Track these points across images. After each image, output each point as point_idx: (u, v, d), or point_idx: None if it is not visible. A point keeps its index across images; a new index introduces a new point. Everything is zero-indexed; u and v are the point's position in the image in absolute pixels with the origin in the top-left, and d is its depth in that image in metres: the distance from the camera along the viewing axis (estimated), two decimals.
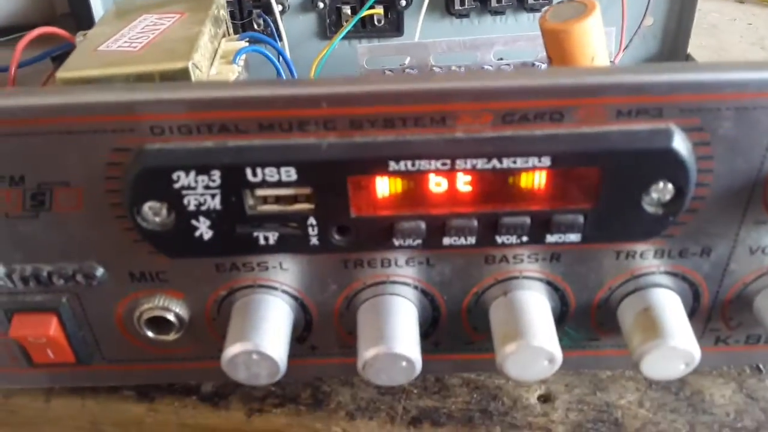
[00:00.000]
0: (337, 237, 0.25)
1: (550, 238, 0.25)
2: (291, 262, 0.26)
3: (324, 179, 0.24)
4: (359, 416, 0.29)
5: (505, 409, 0.29)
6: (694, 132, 0.23)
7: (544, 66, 0.43)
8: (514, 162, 0.23)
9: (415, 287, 0.27)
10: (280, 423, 0.29)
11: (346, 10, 0.49)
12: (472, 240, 0.25)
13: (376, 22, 0.49)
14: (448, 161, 0.23)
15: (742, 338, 0.29)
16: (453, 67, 0.43)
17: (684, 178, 0.23)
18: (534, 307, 0.26)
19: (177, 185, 0.23)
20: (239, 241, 0.25)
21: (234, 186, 0.23)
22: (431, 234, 0.25)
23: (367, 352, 0.25)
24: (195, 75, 0.34)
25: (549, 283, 0.27)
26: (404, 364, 0.25)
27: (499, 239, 0.25)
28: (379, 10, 0.48)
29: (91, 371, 0.29)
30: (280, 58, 0.41)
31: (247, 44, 0.40)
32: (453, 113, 0.23)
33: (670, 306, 0.26)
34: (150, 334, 0.27)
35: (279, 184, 0.23)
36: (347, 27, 0.47)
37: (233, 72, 0.37)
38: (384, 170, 0.23)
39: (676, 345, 0.25)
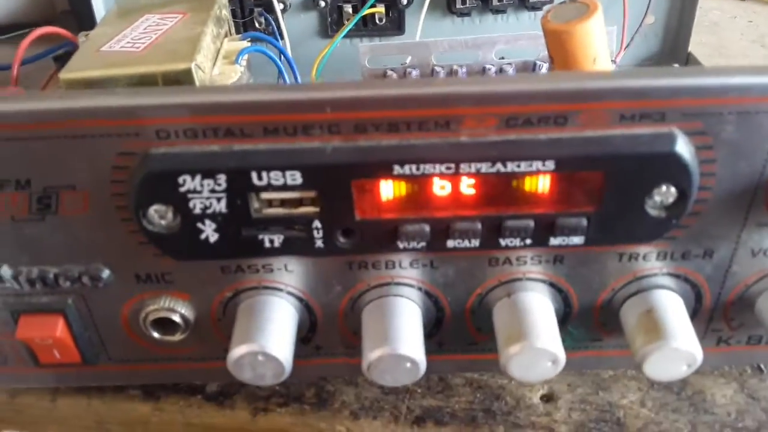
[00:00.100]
0: (341, 240, 0.25)
1: (554, 241, 0.25)
2: (296, 263, 0.26)
3: (329, 183, 0.24)
4: (363, 416, 0.30)
5: (508, 408, 0.30)
6: (696, 136, 0.23)
7: (545, 65, 0.43)
8: (518, 166, 0.23)
9: (419, 289, 0.27)
10: (285, 422, 0.30)
11: (348, 8, 0.49)
12: (476, 243, 0.25)
13: (377, 21, 0.49)
14: (453, 165, 0.23)
15: (744, 339, 0.29)
16: (455, 66, 0.43)
17: (687, 182, 0.24)
18: (537, 308, 0.26)
19: (183, 189, 0.23)
20: (244, 244, 0.25)
21: (239, 190, 0.24)
22: (435, 237, 0.25)
23: (371, 354, 0.25)
24: (198, 76, 0.34)
25: (552, 285, 0.27)
26: (409, 365, 0.25)
27: (502, 242, 0.25)
28: (381, 8, 0.48)
29: (96, 371, 0.29)
30: (282, 57, 0.42)
31: (249, 44, 0.40)
32: (457, 117, 0.23)
33: (672, 307, 0.26)
34: (156, 335, 0.27)
35: (284, 187, 0.24)
36: (348, 26, 0.47)
37: (236, 72, 0.37)
38: (388, 174, 0.23)
39: (678, 347, 0.25)
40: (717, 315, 0.28)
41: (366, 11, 0.48)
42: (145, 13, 0.40)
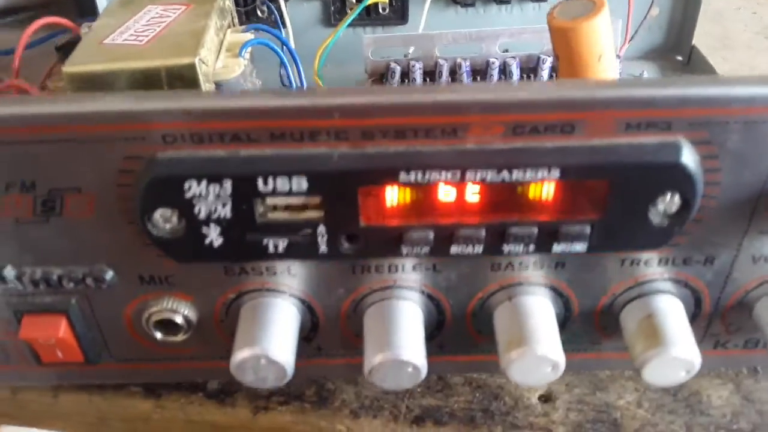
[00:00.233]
0: (346, 245, 0.25)
1: (557, 248, 0.25)
2: (299, 266, 0.26)
3: (335, 189, 0.24)
4: (363, 414, 0.30)
5: (507, 408, 0.30)
6: (702, 145, 0.23)
7: (549, 59, 0.43)
8: (524, 174, 0.23)
9: (422, 292, 0.27)
10: (285, 420, 0.30)
11: None
12: (479, 249, 0.25)
13: (380, 10, 0.49)
14: (459, 172, 0.23)
15: (741, 342, 0.29)
16: (458, 60, 0.43)
17: (691, 191, 0.24)
18: (538, 313, 0.27)
19: (188, 194, 0.23)
20: (249, 249, 0.25)
21: (245, 195, 0.24)
22: (439, 243, 0.25)
23: (374, 358, 0.25)
24: (201, 71, 0.34)
25: (553, 289, 0.27)
26: (410, 370, 0.25)
27: (506, 248, 0.25)
28: None
29: (99, 370, 0.29)
30: (285, 48, 0.41)
31: (252, 36, 0.40)
32: (464, 125, 0.23)
33: (672, 313, 0.26)
34: (158, 335, 0.27)
35: (290, 193, 0.24)
36: (351, 15, 0.46)
37: (239, 65, 0.37)
38: (395, 181, 0.23)
39: (677, 355, 0.25)
40: (715, 319, 0.28)
41: (369, 1, 0.47)
42: (148, 4, 0.39)
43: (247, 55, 0.38)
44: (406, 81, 0.44)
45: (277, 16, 0.47)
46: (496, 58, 0.43)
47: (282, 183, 0.23)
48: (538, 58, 0.43)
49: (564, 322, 0.28)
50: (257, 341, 0.26)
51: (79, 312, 0.27)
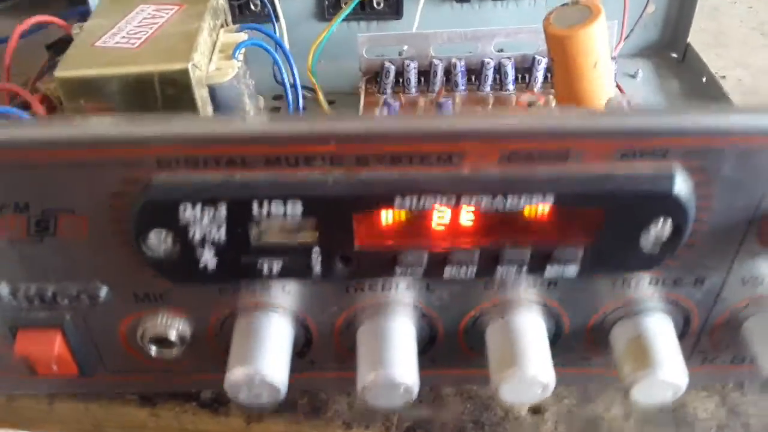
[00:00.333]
0: (340, 267, 0.25)
1: (549, 271, 0.25)
2: (293, 284, 0.27)
3: (330, 214, 0.24)
4: (355, 425, 0.30)
5: (498, 419, 0.31)
6: (696, 173, 0.23)
7: (544, 60, 0.43)
8: (518, 201, 0.23)
9: (415, 308, 0.28)
10: (278, 430, 0.30)
11: None
12: (472, 272, 0.25)
13: (375, 5, 0.48)
14: (453, 198, 0.23)
15: (728, 358, 0.30)
16: (453, 60, 0.43)
17: (683, 219, 0.24)
18: (530, 333, 0.27)
19: (183, 217, 0.23)
20: (243, 270, 0.25)
21: (240, 219, 0.24)
22: (432, 266, 0.25)
23: (366, 378, 0.26)
24: (194, 75, 0.34)
25: (545, 307, 0.28)
26: (402, 390, 0.26)
27: (498, 271, 0.25)
28: None
29: (93, 381, 0.29)
30: (279, 48, 0.41)
31: (246, 37, 0.39)
32: (459, 152, 0.23)
33: (661, 334, 0.27)
34: (153, 351, 0.28)
35: (284, 217, 0.24)
36: (345, 11, 0.46)
37: (233, 68, 0.37)
38: (389, 206, 0.24)
39: (665, 378, 0.25)
40: (704, 336, 0.29)
41: None
42: (140, 3, 0.39)
43: (241, 57, 0.38)
44: (401, 80, 0.44)
45: (271, 10, 0.47)
46: (491, 58, 0.43)
47: (277, 207, 0.23)
48: (533, 58, 0.43)
49: (555, 339, 0.28)
50: (251, 360, 0.26)
51: (74, 327, 0.27)
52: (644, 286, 0.27)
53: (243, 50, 0.38)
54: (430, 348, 0.29)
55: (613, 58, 0.43)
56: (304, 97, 0.44)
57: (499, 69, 0.43)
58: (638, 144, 0.23)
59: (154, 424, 0.30)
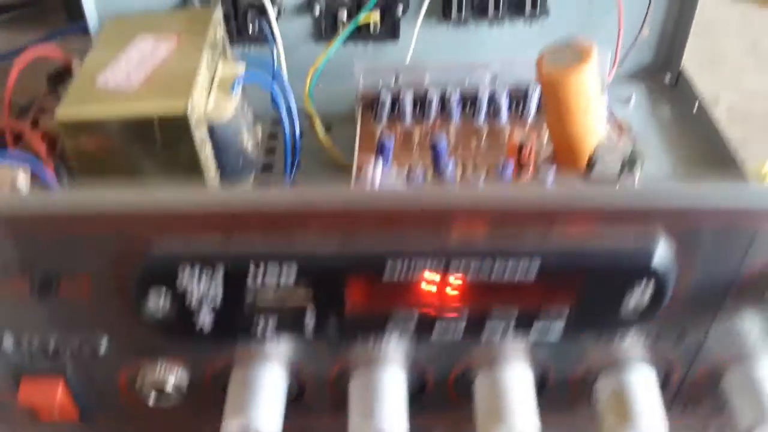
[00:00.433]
0: (332, 327, 0.26)
1: (534, 332, 0.26)
2: (288, 339, 0.28)
3: (323, 279, 0.25)
4: None
5: None
6: (676, 245, 0.24)
7: (538, 88, 0.43)
8: (504, 268, 0.24)
9: (406, 360, 0.29)
10: None
11: (342, 14, 0.48)
12: (460, 332, 0.26)
13: (371, 28, 0.49)
14: (442, 265, 0.24)
15: (708, 408, 0.31)
16: (448, 90, 0.43)
17: (662, 287, 0.25)
18: (517, 386, 0.28)
19: (181, 280, 0.24)
20: (238, 330, 0.26)
21: (236, 282, 0.25)
22: (422, 327, 0.26)
23: (358, 429, 0.27)
24: (193, 118, 0.34)
25: (532, 359, 0.29)
26: None
27: (485, 332, 0.26)
28: (376, 16, 0.48)
29: (94, 426, 0.31)
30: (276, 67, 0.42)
31: (243, 70, 0.40)
32: (449, 222, 0.24)
33: (642, 388, 0.28)
34: (152, 399, 0.29)
35: (279, 281, 0.25)
36: (343, 34, 0.47)
37: (231, 103, 0.37)
38: (381, 271, 0.24)
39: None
40: (685, 387, 0.30)
41: (361, 20, 0.47)
42: (139, 32, 0.39)
43: (239, 91, 0.38)
44: (397, 106, 0.44)
45: (268, 32, 0.47)
46: (486, 88, 0.43)
47: (271, 271, 0.24)
48: (527, 89, 0.43)
49: (540, 389, 0.29)
50: (246, 411, 0.27)
51: (76, 375, 0.28)
52: (627, 342, 0.28)
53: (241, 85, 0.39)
54: (420, 395, 0.30)
55: (605, 91, 0.44)
56: (300, 123, 0.45)
57: (493, 99, 0.43)
58: (620, 217, 0.24)
59: None
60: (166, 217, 0.24)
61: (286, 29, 0.48)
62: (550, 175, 0.36)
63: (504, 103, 0.43)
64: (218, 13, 0.42)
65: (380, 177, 0.31)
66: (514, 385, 0.28)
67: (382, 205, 0.24)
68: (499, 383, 0.28)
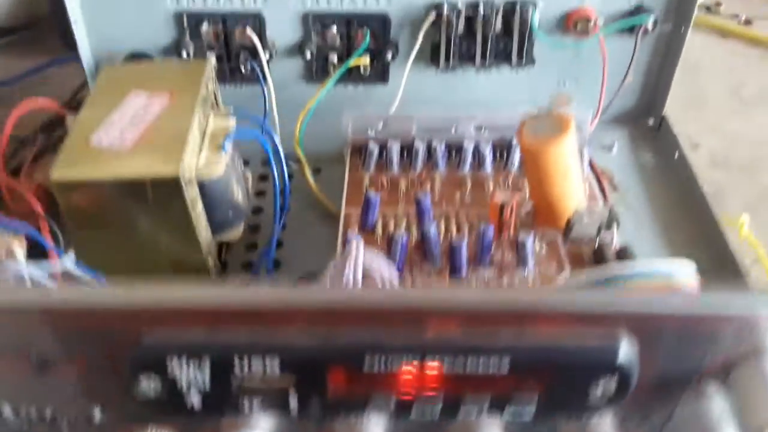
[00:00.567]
0: (315, 407, 0.28)
1: (507, 414, 0.28)
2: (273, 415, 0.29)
3: (305, 368, 0.26)
4: None
5: None
6: (640, 344, 0.26)
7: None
8: (477, 361, 0.26)
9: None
10: None
11: (333, 57, 0.49)
12: (436, 414, 0.28)
13: (362, 71, 0.50)
14: (418, 358, 0.26)
15: None
16: (434, 143, 0.44)
17: (627, 380, 0.26)
18: None
19: (171, 367, 0.26)
20: (226, 409, 0.27)
21: (222, 371, 0.26)
22: (400, 409, 0.28)
23: None
24: (185, 178, 0.35)
25: None
26: None
27: (460, 414, 0.28)
28: (366, 60, 0.49)
29: None
30: (266, 134, 0.43)
31: (234, 125, 0.41)
32: (424, 320, 0.25)
33: None
34: None
35: (264, 368, 0.26)
36: (333, 78, 0.48)
37: (222, 159, 0.38)
38: (360, 362, 0.26)
39: None
40: None
41: (351, 63, 0.48)
42: (132, 88, 0.40)
43: (229, 148, 0.39)
44: (384, 155, 0.45)
45: (259, 72, 0.48)
46: (470, 140, 0.45)
47: (256, 361, 0.26)
48: (510, 142, 0.45)
49: None
50: None
51: None
52: (593, 421, 0.29)
53: (232, 142, 0.40)
54: None
55: (585, 146, 0.45)
56: (289, 166, 0.46)
57: (477, 149, 0.45)
58: (586, 320, 0.25)
59: None
60: (155, 312, 0.25)
61: (278, 70, 0.50)
62: (529, 241, 0.37)
63: (488, 154, 0.44)
64: (210, 66, 0.42)
65: (362, 256, 0.32)
66: None
67: (361, 305, 0.25)
68: None
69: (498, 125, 0.45)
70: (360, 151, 0.46)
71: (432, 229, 0.38)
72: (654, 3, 0.47)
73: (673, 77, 0.51)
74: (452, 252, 0.37)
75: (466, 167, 0.45)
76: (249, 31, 0.48)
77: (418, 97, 0.50)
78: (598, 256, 0.38)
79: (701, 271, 0.38)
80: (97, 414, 0.29)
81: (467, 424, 0.29)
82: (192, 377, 0.26)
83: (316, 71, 0.50)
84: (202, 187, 0.38)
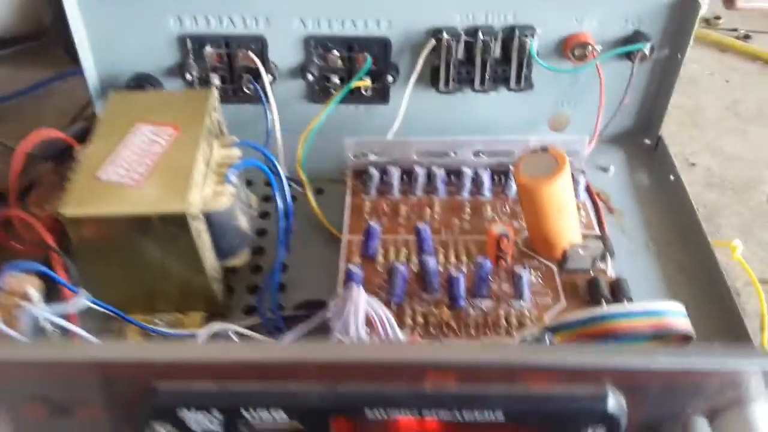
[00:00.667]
0: None
1: None
2: None
3: (310, 420, 0.28)
4: None
5: None
6: (627, 396, 0.27)
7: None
8: (473, 413, 0.27)
9: None
10: None
11: (335, 79, 0.50)
12: None
13: (363, 92, 0.50)
14: (416, 409, 0.27)
15: None
16: (433, 168, 0.45)
17: (616, 428, 0.28)
18: None
19: (183, 419, 0.27)
20: None
21: (232, 421, 0.27)
22: None
23: None
24: (191, 213, 0.36)
25: None
26: None
27: None
28: (367, 81, 0.50)
29: None
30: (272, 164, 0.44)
31: (239, 155, 0.42)
32: (422, 374, 0.27)
33: None
34: None
35: (271, 419, 0.27)
36: (335, 99, 0.48)
37: (227, 193, 0.39)
38: (361, 414, 0.27)
39: None
40: None
41: (353, 85, 0.49)
42: (136, 122, 0.41)
43: (234, 179, 0.40)
44: (384, 177, 0.46)
45: (261, 93, 0.49)
46: (469, 167, 0.46)
47: (264, 414, 0.27)
48: (509, 168, 0.45)
49: None
50: None
51: None
52: None
53: (237, 172, 0.41)
54: None
55: (582, 173, 0.46)
56: (292, 188, 0.47)
57: (476, 175, 0.46)
58: (574, 375, 0.27)
59: None
60: (166, 367, 0.26)
61: (281, 91, 0.50)
62: (525, 273, 0.38)
63: (486, 179, 0.45)
64: (213, 96, 0.43)
65: (361, 303, 0.33)
66: None
67: (361, 361, 0.26)
68: None
69: (497, 150, 0.46)
70: (361, 175, 0.47)
71: (431, 261, 0.39)
72: (651, 29, 0.48)
73: (669, 99, 0.51)
74: (451, 283, 0.39)
75: (465, 192, 0.46)
76: (252, 53, 0.48)
77: (418, 117, 0.50)
78: (593, 287, 0.39)
79: (693, 295, 0.40)
80: None
81: None
82: (203, 426, 0.27)
83: (318, 93, 0.51)
84: (208, 217, 0.39)
